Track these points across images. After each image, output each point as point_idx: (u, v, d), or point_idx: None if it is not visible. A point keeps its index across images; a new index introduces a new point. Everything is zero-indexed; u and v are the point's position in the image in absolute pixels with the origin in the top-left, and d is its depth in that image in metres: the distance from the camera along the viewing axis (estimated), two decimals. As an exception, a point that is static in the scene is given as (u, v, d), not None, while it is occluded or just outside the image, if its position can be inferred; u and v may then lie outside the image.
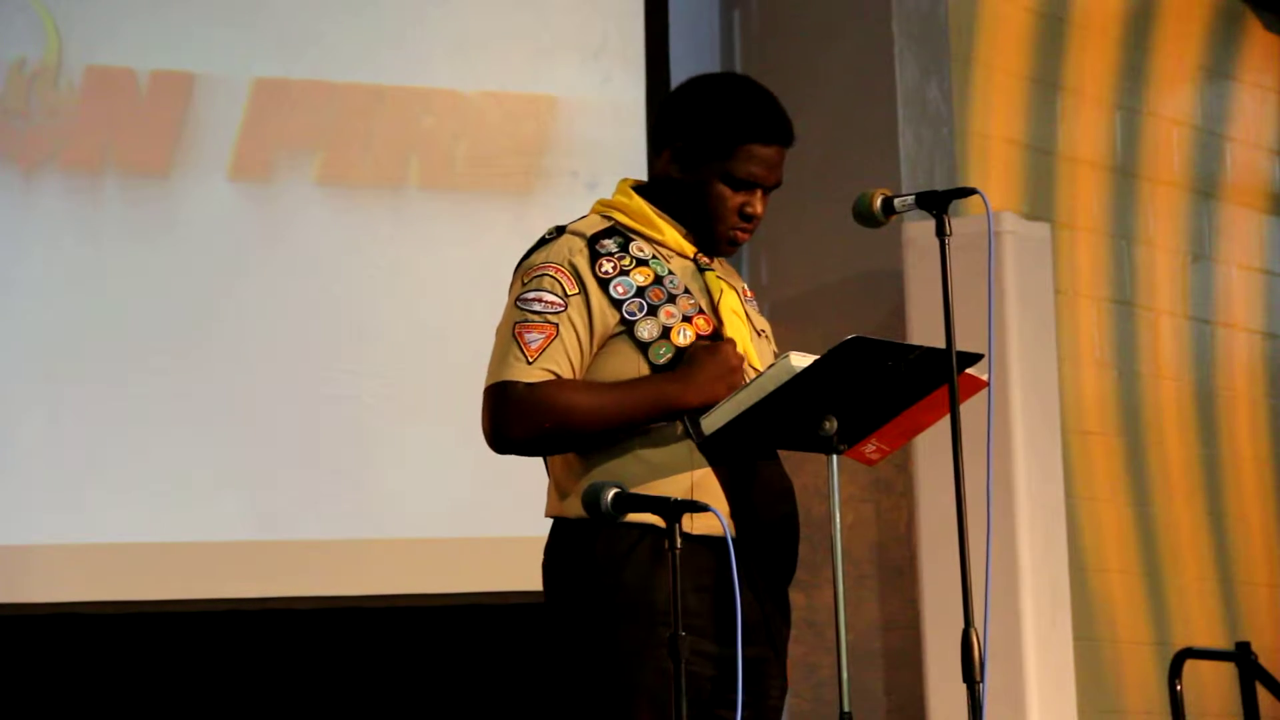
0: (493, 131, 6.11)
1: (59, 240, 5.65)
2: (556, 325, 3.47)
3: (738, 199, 3.56)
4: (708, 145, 3.55)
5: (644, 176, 3.75)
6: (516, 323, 3.49)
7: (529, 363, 3.46)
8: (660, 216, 3.59)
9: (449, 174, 6.05)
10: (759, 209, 3.58)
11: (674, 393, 3.45)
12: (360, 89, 5.98)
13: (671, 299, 3.52)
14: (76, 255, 5.66)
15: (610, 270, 3.52)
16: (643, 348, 3.49)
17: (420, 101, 6.05)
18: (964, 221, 4.86)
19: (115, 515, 5.61)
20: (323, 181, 5.91)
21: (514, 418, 3.46)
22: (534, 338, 3.47)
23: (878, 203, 3.53)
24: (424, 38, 6.06)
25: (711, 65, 6.59)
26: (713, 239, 3.59)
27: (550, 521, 3.56)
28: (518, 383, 3.46)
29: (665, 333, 3.50)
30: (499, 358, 3.50)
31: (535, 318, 3.48)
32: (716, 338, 3.53)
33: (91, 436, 5.60)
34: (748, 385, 3.41)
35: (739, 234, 3.59)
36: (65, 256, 5.65)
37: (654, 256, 3.56)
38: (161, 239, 5.73)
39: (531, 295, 3.50)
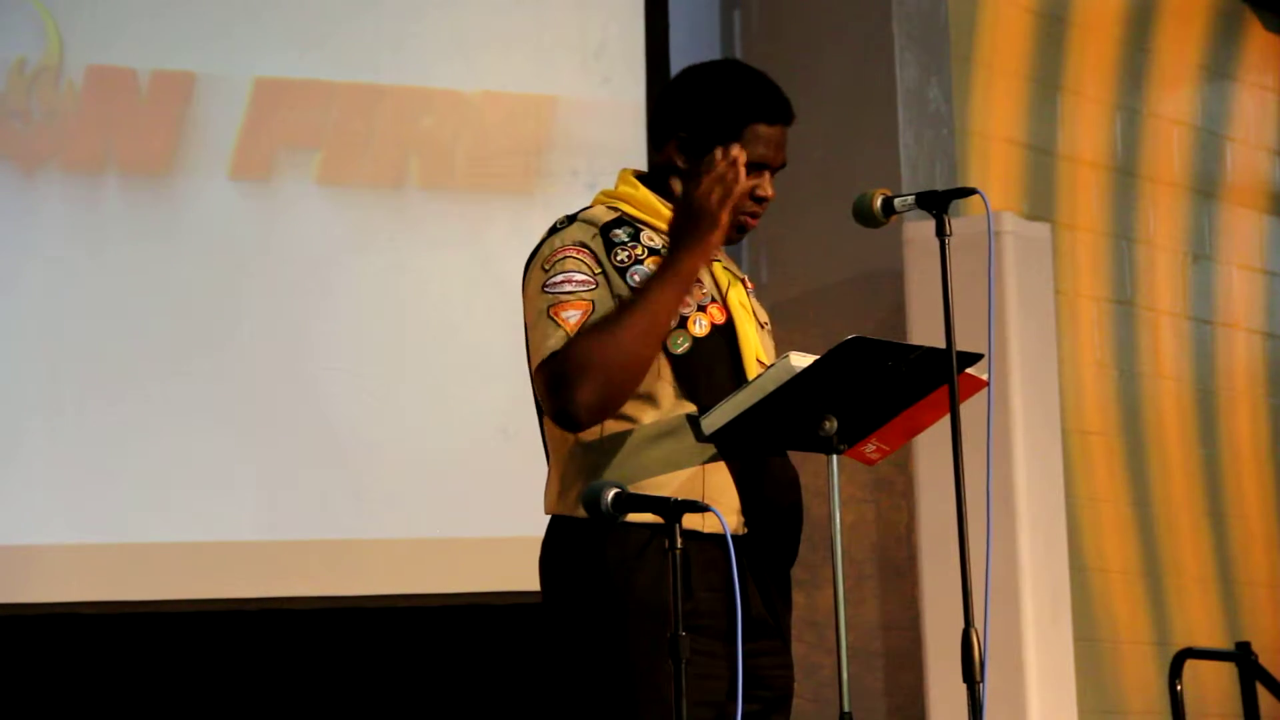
0: (493, 131, 6.11)
1: (60, 240, 5.65)
2: (592, 301, 3.44)
3: (748, 182, 3.56)
4: (713, 130, 3.54)
5: (644, 175, 3.74)
6: (550, 305, 3.44)
7: (570, 335, 3.41)
8: (667, 207, 3.58)
9: (449, 174, 6.05)
10: (770, 191, 3.57)
11: (679, 265, 3.41)
12: (360, 88, 5.98)
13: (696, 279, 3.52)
14: (77, 255, 5.65)
15: (625, 259, 3.50)
16: None
17: (420, 101, 6.05)
18: (964, 221, 4.86)
19: (115, 515, 5.61)
20: (323, 181, 5.91)
21: (572, 381, 3.38)
22: (571, 314, 3.43)
23: (878, 203, 3.53)
24: (424, 38, 6.06)
25: (711, 66, 6.59)
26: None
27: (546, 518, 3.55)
28: (558, 350, 3.41)
29: (683, 322, 3.49)
30: (539, 340, 3.44)
31: (568, 297, 3.44)
32: (730, 328, 3.52)
33: (92, 437, 5.60)
34: (747, 385, 3.41)
35: (749, 219, 3.57)
36: (66, 256, 5.65)
37: (663, 246, 3.55)
38: (162, 238, 5.73)
39: (560, 278, 3.46)
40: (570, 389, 3.39)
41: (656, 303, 3.41)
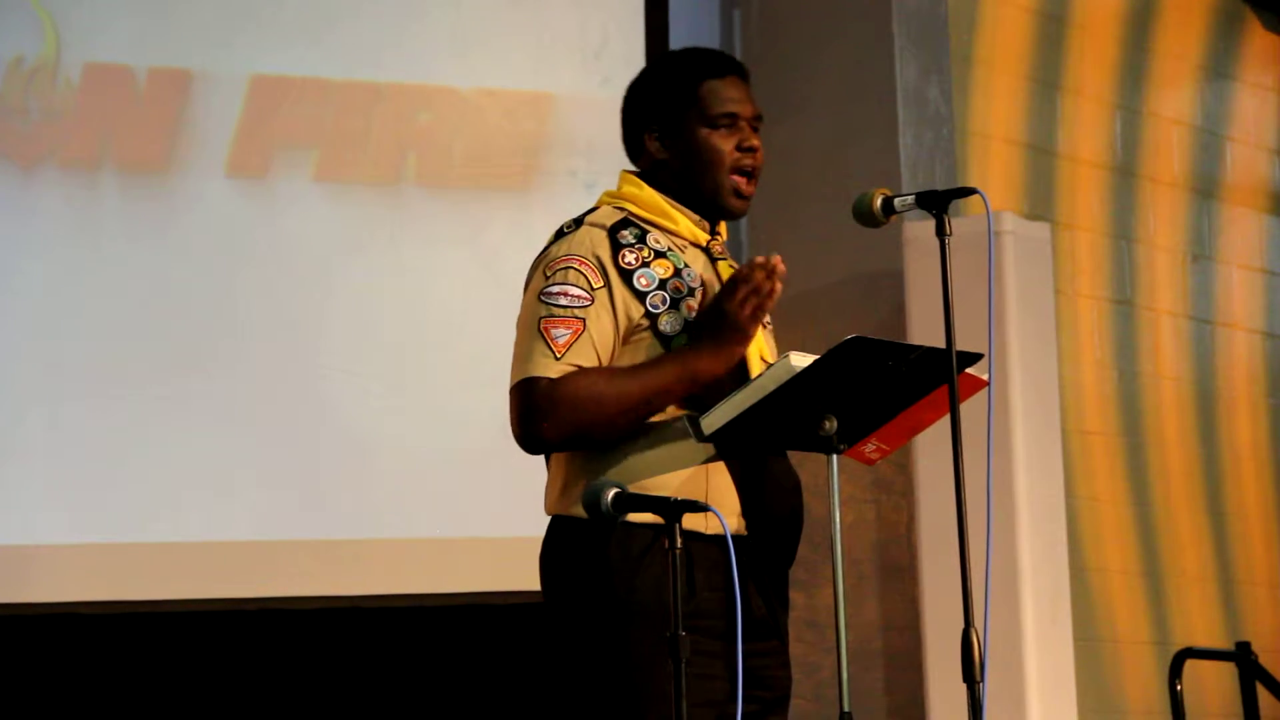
0: (492, 130, 6.10)
1: (58, 238, 5.64)
2: (583, 320, 3.44)
3: (729, 139, 3.57)
4: (674, 105, 3.57)
5: (641, 176, 3.74)
6: (542, 317, 3.45)
7: (556, 359, 3.42)
8: (672, 206, 3.58)
9: (448, 172, 6.05)
10: (753, 139, 3.58)
11: (697, 364, 3.43)
12: (359, 86, 5.97)
13: (691, 292, 3.52)
14: (75, 253, 5.65)
15: (633, 261, 3.50)
16: (665, 342, 3.48)
17: (419, 99, 6.05)
18: (964, 221, 4.86)
19: (115, 515, 5.61)
20: (320, 179, 5.90)
21: (543, 415, 3.40)
22: (561, 333, 3.44)
23: (878, 203, 3.53)
24: (423, 35, 6.06)
25: (711, 65, 6.59)
26: (721, 190, 3.58)
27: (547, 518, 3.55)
28: (544, 378, 3.41)
29: (687, 326, 3.49)
30: (524, 354, 3.45)
31: (561, 312, 3.44)
32: None
33: (92, 436, 5.59)
34: (747, 385, 3.40)
35: (743, 180, 3.58)
36: (64, 254, 5.64)
37: (670, 249, 3.55)
38: (160, 236, 5.72)
39: (556, 289, 3.46)
40: (542, 423, 3.41)
41: (658, 390, 3.42)
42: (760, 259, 3.42)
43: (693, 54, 3.65)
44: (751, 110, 3.60)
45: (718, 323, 3.43)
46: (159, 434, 5.64)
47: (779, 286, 3.42)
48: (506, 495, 5.64)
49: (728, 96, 3.58)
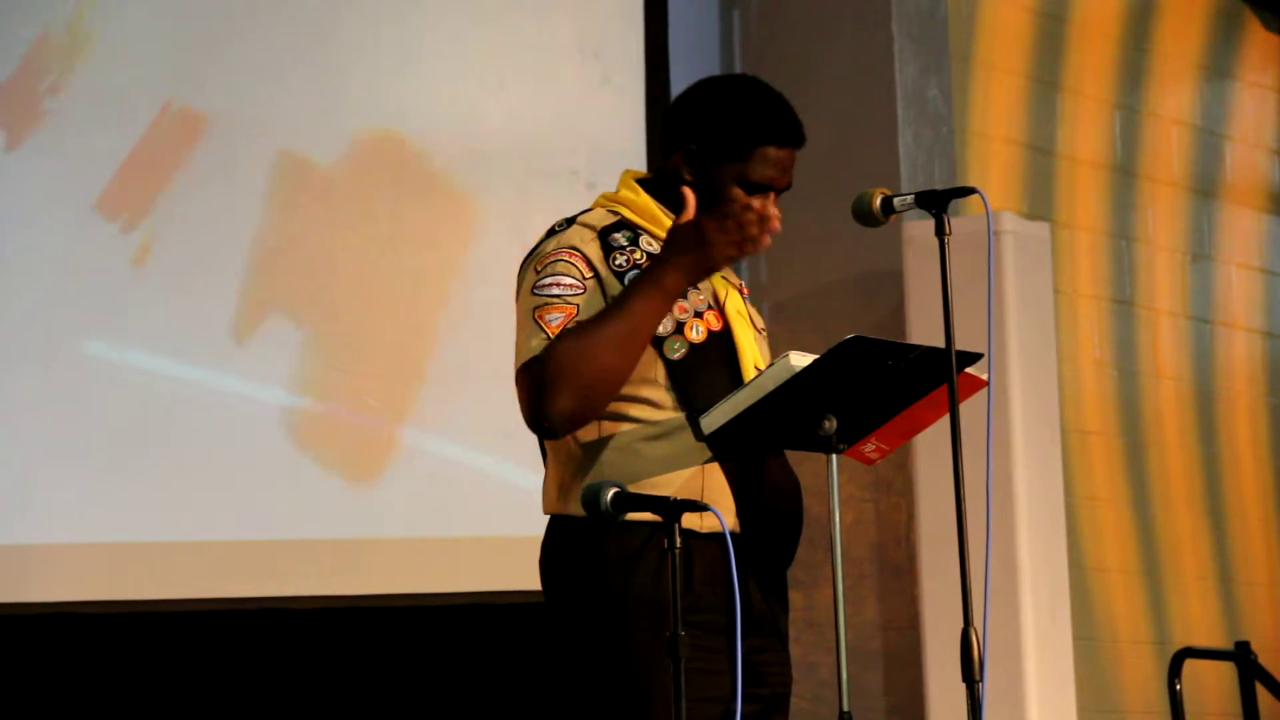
0: (492, 130, 6.10)
1: (56, 234, 5.64)
2: (577, 305, 3.44)
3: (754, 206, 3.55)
4: (723, 148, 3.53)
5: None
6: (536, 308, 3.45)
7: (550, 340, 3.42)
8: (666, 214, 3.58)
9: (447, 173, 6.04)
10: (774, 212, 3.57)
11: (664, 279, 3.40)
12: (356, 84, 5.97)
13: (683, 293, 3.52)
14: (74, 251, 5.65)
15: (624, 264, 3.50)
16: (657, 342, 3.48)
17: (418, 99, 6.04)
18: (964, 221, 4.86)
19: (116, 515, 5.61)
20: (318, 177, 5.90)
21: (547, 386, 3.39)
22: (554, 317, 3.43)
23: (877, 202, 3.53)
24: (423, 35, 6.05)
25: (711, 66, 6.59)
26: None
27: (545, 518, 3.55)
28: (537, 354, 3.41)
29: (679, 328, 3.49)
30: (522, 342, 3.45)
31: (555, 300, 3.44)
32: (726, 334, 3.52)
33: (92, 435, 5.59)
34: (747, 385, 3.41)
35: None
36: (62, 252, 5.64)
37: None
38: (158, 234, 5.72)
39: (549, 280, 3.47)
40: (546, 397, 3.39)
41: (636, 314, 3.40)
42: (759, 203, 3.42)
43: (767, 107, 3.57)
44: (787, 182, 3.56)
45: (693, 241, 3.40)
46: (159, 434, 5.64)
47: (766, 240, 3.40)
48: (506, 495, 5.65)
49: (774, 166, 3.53)
